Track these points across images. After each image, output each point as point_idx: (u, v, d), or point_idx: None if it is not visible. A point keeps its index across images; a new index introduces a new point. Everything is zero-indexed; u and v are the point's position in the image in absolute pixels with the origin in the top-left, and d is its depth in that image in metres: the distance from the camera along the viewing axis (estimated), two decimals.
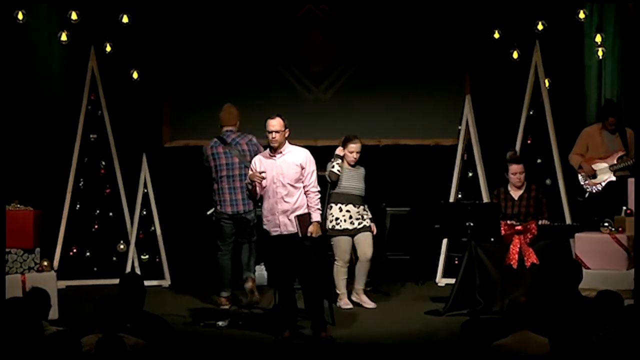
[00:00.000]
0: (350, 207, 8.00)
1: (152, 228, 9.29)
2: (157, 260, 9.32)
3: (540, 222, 7.89)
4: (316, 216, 7.01)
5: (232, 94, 9.51)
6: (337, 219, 7.98)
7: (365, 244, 8.00)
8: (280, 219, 6.98)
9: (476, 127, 9.14)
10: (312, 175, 7.03)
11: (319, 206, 7.03)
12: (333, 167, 8.00)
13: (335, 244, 7.99)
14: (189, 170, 9.53)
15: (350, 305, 8.03)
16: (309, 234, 6.96)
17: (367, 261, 8.02)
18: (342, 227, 7.97)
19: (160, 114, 9.69)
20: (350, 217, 7.98)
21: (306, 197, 7.01)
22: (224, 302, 8.20)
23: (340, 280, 8.02)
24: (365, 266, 8.04)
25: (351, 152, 8.07)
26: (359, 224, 8.00)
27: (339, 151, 8.09)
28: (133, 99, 9.51)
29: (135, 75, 9.38)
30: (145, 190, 9.27)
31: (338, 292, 8.03)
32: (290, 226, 6.98)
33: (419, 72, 9.60)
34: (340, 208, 8.00)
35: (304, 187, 7.01)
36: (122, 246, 9.31)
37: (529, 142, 9.10)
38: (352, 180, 8.08)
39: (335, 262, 7.99)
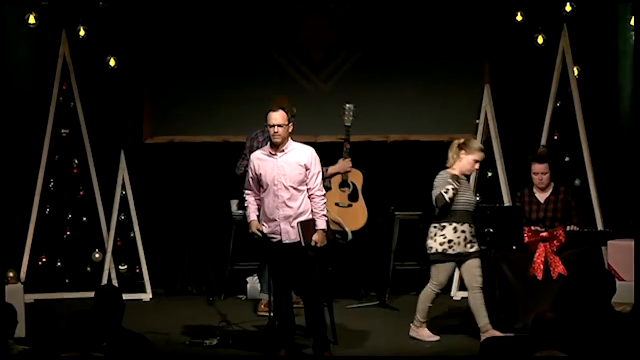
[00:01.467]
0: (466, 227, 7.45)
1: (132, 235, 9.32)
2: (138, 271, 9.35)
3: (568, 228, 7.90)
4: (321, 223, 7.02)
5: (221, 84, 9.60)
6: (450, 241, 7.42)
7: (478, 271, 7.49)
8: (282, 226, 7.01)
9: (496, 121, 9.17)
10: (318, 177, 7.04)
11: (325, 212, 7.05)
12: (447, 191, 7.40)
13: (440, 270, 7.49)
14: (173, 169, 9.60)
15: (437, 338, 7.60)
16: (313, 244, 6.98)
17: (481, 291, 7.53)
18: (456, 252, 7.43)
19: (140, 106, 9.67)
20: (466, 239, 7.45)
21: (310, 201, 7.03)
22: (262, 309, 8.25)
23: (427, 306, 7.57)
24: (482, 297, 7.51)
25: (477, 162, 7.57)
26: (471, 247, 7.48)
27: (456, 168, 7.50)
28: (110, 89, 9.51)
29: (112, 62, 9.37)
30: (124, 193, 9.31)
31: (421, 320, 7.61)
32: (292, 234, 7.00)
33: (432, 59, 9.59)
34: (455, 228, 7.42)
35: (308, 190, 7.02)
36: (97, 255, 9.32)
37: (555, 138, 9.12)
38: (467, 192, 7.54)
39: (431, 288, 7.52)
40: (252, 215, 7.12)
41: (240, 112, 9.47)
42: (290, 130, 7.06)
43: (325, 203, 7.09)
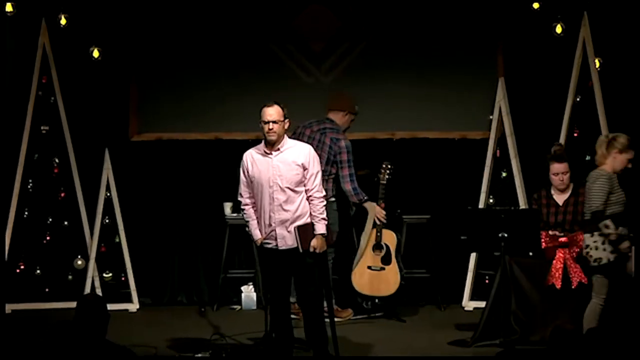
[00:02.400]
0: (625, 230, 7.33)
1: (117, 239, 9.32)
2: (123, 279, 9.33)
3: None
4: (320, 227, 7.01)
5: (213, 77, 9.59)
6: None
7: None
8: (278, 231, 6.99)
9: (511, 116, 9.16)
10: (317, 177, 7.03)
11: (324, 215, 7.04)
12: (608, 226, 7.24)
13: (607, 281, 7.30)
14: (161, 169, 9.61)
15: None
16: (311, 249, 6.98)
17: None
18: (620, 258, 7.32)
19: (126, 101, 9.67)
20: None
21: (309, 203, 7.02)
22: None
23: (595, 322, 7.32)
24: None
25: (630, 160, 7.43)
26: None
27: (608, 166, 7.36)
28: (93, 82, 9.50)
29: (95, 53, 9.36)
30: (108, 194, 9.30)
31: None
32: (289, 239, 7.00)
33: (441, 49, 9.59)
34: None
35: (306, 191, 7.02)
36: (79, 262, 9.31)
37: (575, 135, 9.11)
38: (619, 190, 7.37)
39: (599, 302, 7.30)
40: (257, 231, 7.08)
41: (234, 107, 9.48)
42: (286, 127, 7.06)
43: (324, 205, 7.08)
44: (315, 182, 7.03)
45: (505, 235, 7.51)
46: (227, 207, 9.26)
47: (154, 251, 9.64)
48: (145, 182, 9.64)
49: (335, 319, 7.51)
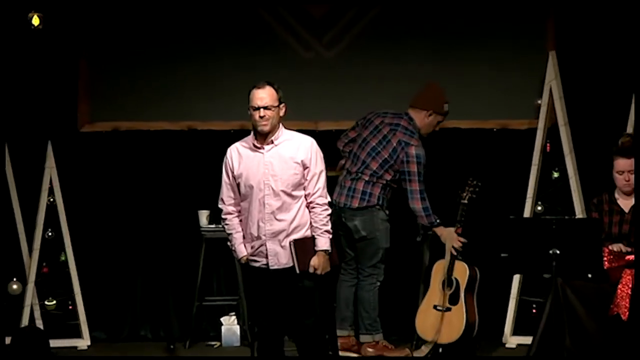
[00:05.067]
0: None
1: (62, 258, 9.31)
2: (70, 307, 9.34)
3: None
4: (323, 242, 7.05)
5: (186, 52, 9.61)
6: None
7: None
8: (269, 245, 7.03)
9: (565, 101, 9.13)
10: (320, 178, 7.09)
11: (328, 227, 7.09)
12: None
13: None
14: (119, 168, 9.63)
15: None
16: (311, 270, 7.01)
17: None
18: None
19: (75, 81, 9.70)
20: None
21: (309, 212, 7.07)
22: (345, 345, 8.52)
23: None
24: None
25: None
26: None
27: None
28: (32, 58, 9.50)
29: (35, 20, 9.27)
30: (52, 200, 9.29)
31: None
32: (283, 257, 7.03)
33: (474, 18, 9.63)
34: None
35: (306, 196, 7.06)
36: (15, 286, 9.25)
37: None
38: None
39: None
40: (241, 247, 7.15)
41: (212, 89, 9.55)
42: (282, 114, 7.09)
43: (329, 214, 7.09)
44: (318, 185, 7.07)
45: (558, 252, 7.52)
46: (204, 216, 9.27)
47: (109, 272, 9.64)
48: (99, 185, 9.65)
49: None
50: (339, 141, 8.86)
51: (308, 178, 7.04)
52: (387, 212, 8.64)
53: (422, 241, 9.02)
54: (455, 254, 8.64)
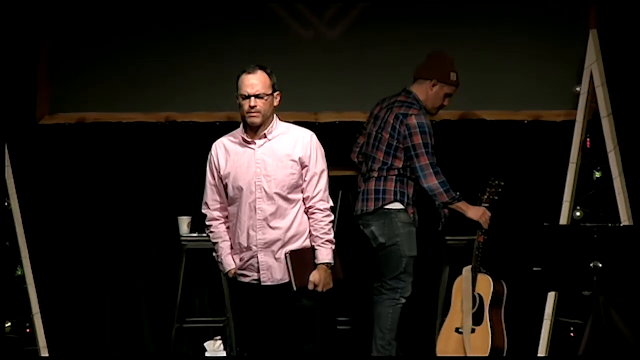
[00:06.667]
0: None
1: (19, 272, 9.21)
2: (28, 330, 9.25)
3: None
4: (325, 254, 7.12)
5: (164, 31, 9.65)
6: None
7: None
8: (261, 258, 7.11)
9: (609, 89, 9.05)
10: (321, 179, 7.18)
11: (331, 236, 7.15)
12: None
13: None
14: (84, 167, 9.65)
15: None
16: (310, 286, 7.07)
17: None
18: None
19: (34, 67, 9.73)
20: None
21: (309, 219, 7.13)
22: None
23: None
24: None
25: None
26: None
27: None
28: None
29: None
30: (7, 204, 9.17)
31: None
32: (277, 272, 7.11)
33: None
34: None
35: (304, 200, 7.11)
36: None
37: None
38: None
39: None
40: (229, 260, 7.21)
41: (194, 76, 9.58)
42: (277, 104, 7.12)
43: (332, 222, 7.12)
44: (319, 187, 7.14)
45: (600, 265, 7.53)
46: (184, 223, 9.29)
47: (74, 289, 9.67)
48: (62, 186, 9.68)
49: None
50: (352, 154, 8.88)
51: (307, 179, 7.10)
52: (412, 213, 8.59)
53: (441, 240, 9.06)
54: (483, 232, 8.70)
